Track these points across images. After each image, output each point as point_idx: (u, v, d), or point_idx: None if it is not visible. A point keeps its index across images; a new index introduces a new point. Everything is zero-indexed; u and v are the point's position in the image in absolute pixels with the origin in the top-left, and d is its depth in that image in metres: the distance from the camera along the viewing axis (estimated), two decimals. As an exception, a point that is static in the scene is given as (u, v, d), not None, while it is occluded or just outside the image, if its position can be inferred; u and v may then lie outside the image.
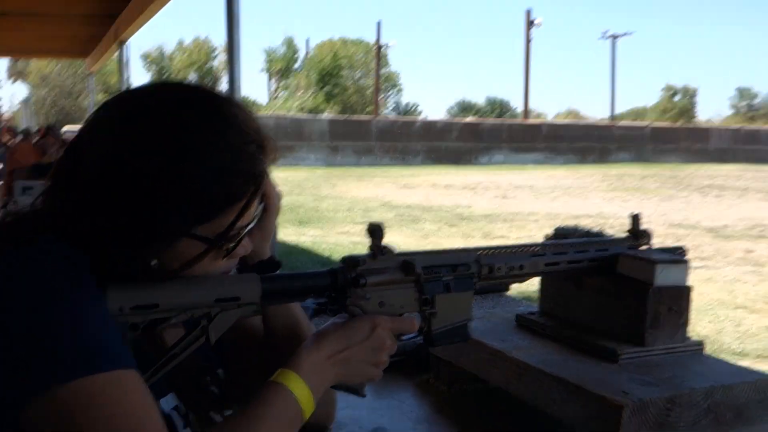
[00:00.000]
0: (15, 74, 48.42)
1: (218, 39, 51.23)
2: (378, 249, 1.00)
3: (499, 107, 60.60)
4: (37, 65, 39.09)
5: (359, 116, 35.88)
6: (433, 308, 1.04)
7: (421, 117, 47.46)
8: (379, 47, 40.79)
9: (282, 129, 26.80)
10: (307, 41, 52.35)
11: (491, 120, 38.57)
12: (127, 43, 10.39)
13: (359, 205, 13.27)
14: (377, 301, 1.00)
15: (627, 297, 1.24)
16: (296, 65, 50.50)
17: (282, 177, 20.33)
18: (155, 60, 50.21)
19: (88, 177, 0.84)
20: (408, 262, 1.02)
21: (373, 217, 10.89)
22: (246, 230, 0.91)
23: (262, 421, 0.85)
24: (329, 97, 46.20)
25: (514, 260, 1.12)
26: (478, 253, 1.10)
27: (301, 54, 50.95)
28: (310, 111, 39.97)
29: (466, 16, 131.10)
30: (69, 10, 9.48)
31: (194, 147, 0.83)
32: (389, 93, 55.55)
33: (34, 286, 0.76)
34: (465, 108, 60.53)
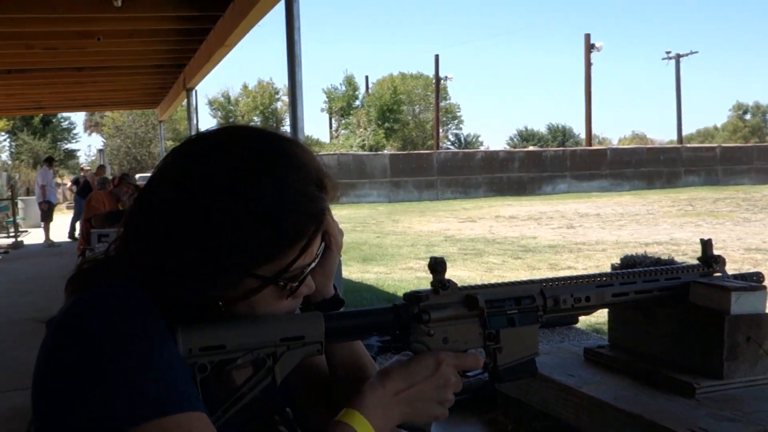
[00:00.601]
0: (91, 126, 50.92)
1: (281, 80, 52.73)
2: (440, 284, 1.00)
3: (561, 134, 59.87)
4: (111, 116, 40.93)
5: (420, 151, 36.04)
6: (498, 343, 1.02)
7: (482, 148, 47.38)
8: (438, 80, 41.06)
9: (344, 166, 27.18)
10: (367, 78, 53.11)
11: (553, 148, 38.14)
12: (194, 90, 10.80)
13: (422, 240, 13.25)
14: (441, 337, 0.99)
15: (701, 327, 1.19)
16: (356, 102, 51.32)
17: (345, 215, 20.59)
18: (221, 105, 51.91)
19: (157, 220, 0.87)
20: (471, 296, 1.01)
21: (437, 252, 10.85)
22: (308, 269, 0.93)
23: None
24: (390, 133, 46.64)
25: (579, 291, 1.10)
26: (543, 285, 1.08)
27: (361, 91, 51.80)
28: (371, 148, 40.41)
29: (523, 44, 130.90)
30: (140, 62, 9.96)
31: (256, 187, 0.86)
32: (449, 126, 55.73)
33: (106, 329, 0.79)
34: (526, 137, 60.06)
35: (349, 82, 51.84)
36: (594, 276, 1.14)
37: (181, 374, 0.81)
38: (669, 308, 1.21)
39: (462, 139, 57.85)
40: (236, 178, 0.86)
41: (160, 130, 16.22)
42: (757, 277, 1.29)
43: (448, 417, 0.98)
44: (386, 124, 46.40)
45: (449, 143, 55.78)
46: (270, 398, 1.04)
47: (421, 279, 8.29)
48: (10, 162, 34.11)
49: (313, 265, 0.93)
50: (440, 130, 42.87)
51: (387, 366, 0.97)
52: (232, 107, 51.68)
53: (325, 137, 54.14)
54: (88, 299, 0.83)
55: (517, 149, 38.53)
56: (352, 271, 9.05)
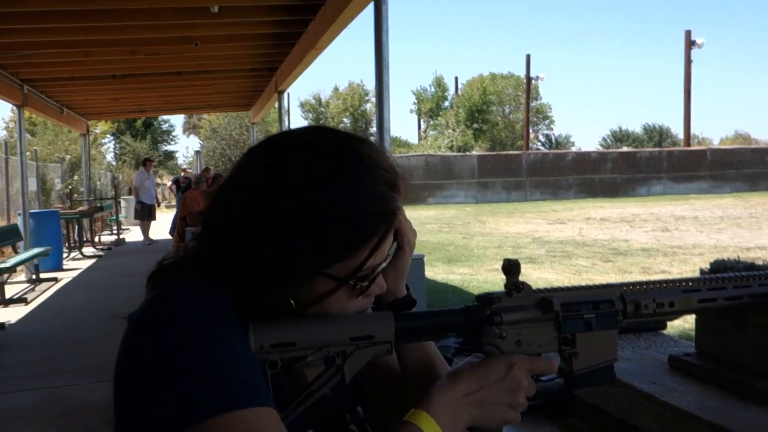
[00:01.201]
0: (189, 128, 53.11)
1: (371, 82, 53.28)
2: (513, 286, 0.97)
3: (657, 135, 57.61)
4: (208, 119, 42.50)
5: (508, 151, 35.56)
6: (573, 348, 0.99)
7: (573, 149, 46.29)
8: (529, 80, 40.38)
9: (432, 167, 27.18)
10: (456, 79, 52.88)
11: (649, 149, 36.72)
12: (286, 93, 11.07)
13: (509, 242, 13.06)
14: (514, 340, 0.97)
15: (799, 337, 1.11)
16: (445, 104, 51.19)
17: (431, 215, 20.56)
18: (312, 108, 52.95)
19: (231, 219, 0.89)
20: (546, 299, 0.98)
21: (524, 254, 10.66)
22: (379, 269, 0.93)
23: None
24: (478, 134, 46.23)
25: (662, 296, 1.04)
26: (623, 288, 1.04)
27: (451, 92, 51.63)
28: (460, 149, 40.18)
29: (619, 41, 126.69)
30: (235, 66, 10.32)
31: (328, 187, 0.86)
32: (540, 126, 54.71)
33: (180, 325, 0.81)
34: (620, 137, 58.15)
35: (439, 83, 51.76)
36: (679, 281, 1.08)
37: (252, 370, 0.82)
38: (762, 316, 1.14)
39: (553, 139, 56.66)
40: (309, 178, 0.87)
41: (252, 132, 16.72)
42: None
43: (523, 421, 0.96)
44: (475, 125, 46.02)
45: (539, 144, 54.75)
46: (341, 397, 1.04)
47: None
48: (114, 163, 36.05)
49: (384, 265, 0.93)
50: (530, 131, 42.14)
51: (457, 367, 0.96)
52: (323, 109, 52.61)
53: (413, 138, 54.34)
54: (165, 295, 0.86)
55: (610, 150, 37.36)
56: (437, 272, 9.03)
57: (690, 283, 1.08)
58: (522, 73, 43.95)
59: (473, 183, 27.76)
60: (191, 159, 44.15)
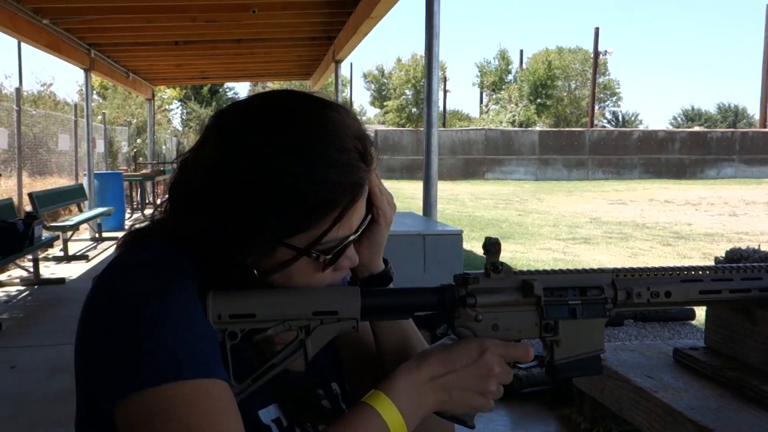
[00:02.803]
0: (254, 96, 53.74)
1: (433, 55, 52.58)
2: (492, 266, 0.92)
3: (732, 115, 55.24)
4: (273, 87, 42.90)
5: (571, 128, 34.74)
6: (556, 335, 0.93)
7: (641, 127, 44.89)
8: (597, 54, 39.17)
9: (492, 142, 26.82)
10: (521, 52, 51.71)
11: (721, 129, 35.26)
12: (348, 63, 11.05)
13: (566, 221, 12.79)
14: (490, 324, 0.92)
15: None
16: (509, 77, 50.25)
17: (489, 190, 20.33)
18: (375, 78, 52.84)
19: (194, 185, 0.87)
20: (526, 281, 0.92)
21: (580, 234, 10.41)
22: (346, 242, 0.89)
23: None
24: (542, 109, 45.27)
25: (658, 285, 0.97)
26: (615, 275, 0.97)
27: (515, 66, 50.64)
28: (522, 124, 39.46)
29: (694, 15, 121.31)
30: (293, 34, 10.32)
31: (286, 156, 0.83)
32: (606, 103, 53.19)
33: (133, 287, 0.80)
34: (692, 117, 56.02)
35: (503, 56, 50.80)
36: (681, 269, 1.00)
37: (204, 340, 0.80)
38: (774, 312, 1.05)
39: (620, 117, 55.05)
40: (267, 147, 0.83)
41: (312, 101, 16.73)
42: None
43: (520, 408, 0.91)
44: (538, 100, 45.04)
45: (605, 121, 53.27)
46: (316, 373, 1.02)
47: (558, 260, 7.99)
48: (180, 128, 36.86)
49: (352, 237, 0.89)
50: (596, 108, 41.03)
51: (427, 349, 0.92)
52: (385, 80, 52.42)
53: (475, 112, 53.68)
54: (125, 259, 0.85)
55: (679, 129, 36.04)
56: (487, 248, 8.91)
57: (692, 272, 1.00)
58: (590, 47, 42.70)
59: (534, 159, 27.27)
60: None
